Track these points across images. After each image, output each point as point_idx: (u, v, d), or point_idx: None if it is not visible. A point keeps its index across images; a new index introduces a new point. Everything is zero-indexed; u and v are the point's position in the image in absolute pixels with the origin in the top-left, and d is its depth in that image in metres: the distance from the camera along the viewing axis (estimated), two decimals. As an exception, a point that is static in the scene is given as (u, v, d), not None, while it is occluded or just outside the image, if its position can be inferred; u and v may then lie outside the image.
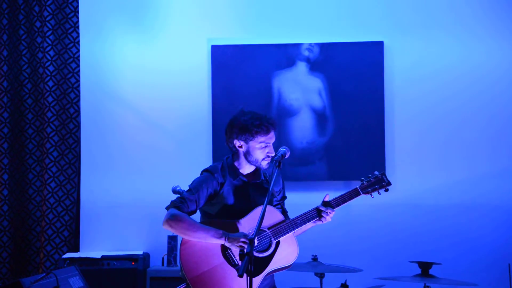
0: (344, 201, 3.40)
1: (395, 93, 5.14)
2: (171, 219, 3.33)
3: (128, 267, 4.84)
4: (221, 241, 3.25)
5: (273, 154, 3.37)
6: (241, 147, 3.42)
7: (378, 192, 3.46)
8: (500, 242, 4.99)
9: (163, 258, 5.02)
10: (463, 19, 5.13)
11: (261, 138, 3.37)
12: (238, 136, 3.40)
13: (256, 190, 3.45)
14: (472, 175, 5.05)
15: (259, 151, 3.38)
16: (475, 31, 5.12)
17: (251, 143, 3.38)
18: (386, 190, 3.47)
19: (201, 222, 3.43)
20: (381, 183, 3.47)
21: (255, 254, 3.22)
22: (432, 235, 5.03)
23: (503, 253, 4.94)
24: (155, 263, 5.10)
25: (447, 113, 5.12)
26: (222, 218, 3.39)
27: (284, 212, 3.46)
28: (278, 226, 3.30)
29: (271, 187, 3.11)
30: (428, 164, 5.06)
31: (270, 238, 3.29)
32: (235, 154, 3.47)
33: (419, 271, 4.05)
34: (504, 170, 5.04)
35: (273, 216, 3.34)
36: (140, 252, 4.98)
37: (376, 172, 3.50)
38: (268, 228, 3.31)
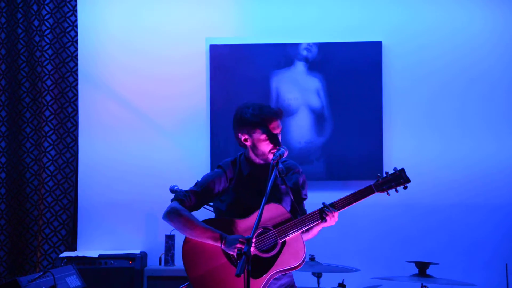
0: (350, 203, 3.16)
1: (393, 93, 5.14)
2: (170, 212, 3.26)
3: (126, 266, 4.84)
4: (218, 244, 3.14)
5: (279, 145, 3.21)
6: (246, 140, 3.29)
7: (396, 190, 3.22)
8: (498, 242, 5.00)
9: (160, 258, 5.02)
10: (463, 19, 5.13)
11: (263, 129, 3.23)
12: (241, 129, 3.27)
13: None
14: (470, 175, 5.05)
15: (264, 143, 3.23)
16: (475, 31, 5.12)
17: (255, 136, 3.24)
18: (405, 188, 3.21)
19: (207, 220, 3.30)
20: (399, 180, 3.20)
21: (259, 254, 3.12)
22: (430, 235, 5.04)
23: (500, 253, 4.94)
24: (153, 262, 5.10)
25: (447, 114, 5.12)
26: (232, 215, 3.26)
27: (303, 212, 3.30)
28: (284, 225, 3.13)
29: (268, 187, 3.00)
30: (426, 164, 5.06)
31: (276, 238, 3.13)
32: (246, 148, 3.33)
33: (416, 271, 4.06)
34: (502, 170, 5.04)
35: (279, 214, 3.17)
36: (138, 251, 4.98)
37: (395, 168, 3.23)
38: (274, 227, 3.15)
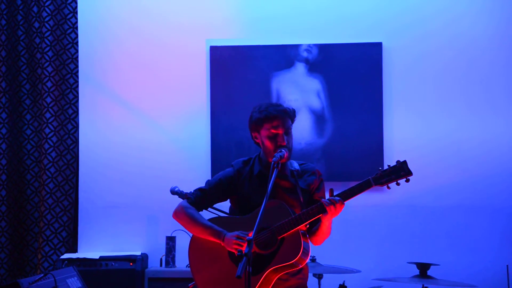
0: (353, 194, 3.12)
1: (393, 94, 5.15)
2: (176, 210, 3.37)
3: (126, 268, 4.83)
4: (219, 241, 3.20)
5: (285, 144, 3.24)
6: (256, 138, 3.35)
7: (397, 183, 3.11)
8: (499, 243, 4.99)
9: (161, 259, 5.02)
10: (462, 19, 5.14)
11: (267, 125, 3.27)
12: (251, 127, 3.34)
13: (279, 185, 3.31)
14: (470, 176, 5.05)
15: (268, 141, 3.27)
16: (476, 31, 5.12)
17: (262, 132, 3.30)
18: (407, 181, 3.08)
19: (213, 218, 3.35)
20: (399, 172, 3.09)
21: (258, 251, 3.14)
22: (431, 236, 5.03)
23: (501, 254, 4.94)
24: (153, 264, 5.10)
25: (447, 114, 5.12)
26: (241, 213, 3.31)
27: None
28: (283, 222, 3.14)
29: (269, 187, 3.00)
30: (427, 165, 5.05)
31: (275, 235, 3.14)
32: (260, 147, 3.39)
33: (417, 272, 4.06)
34: (502, 171, 5.04)
35: (281, 212, 3.19)
36: (138, 253, 4.98)
37: (397, 161, 3.13)
38: (274, 224, 3.16)
